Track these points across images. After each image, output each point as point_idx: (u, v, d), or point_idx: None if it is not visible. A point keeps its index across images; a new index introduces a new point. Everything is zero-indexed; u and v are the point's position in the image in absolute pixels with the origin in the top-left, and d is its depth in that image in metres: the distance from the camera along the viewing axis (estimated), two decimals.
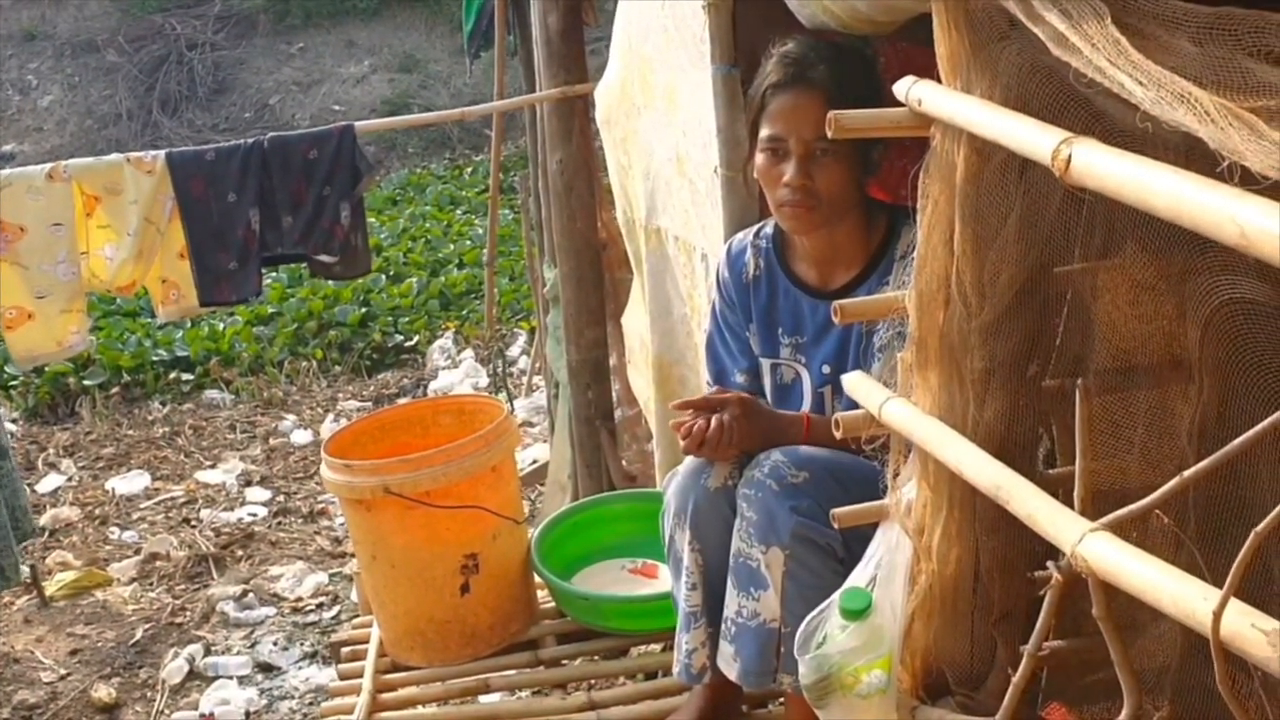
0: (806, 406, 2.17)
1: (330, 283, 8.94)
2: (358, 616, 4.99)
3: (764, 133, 2.05)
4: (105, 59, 12.94)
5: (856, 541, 1.64)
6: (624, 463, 3.99)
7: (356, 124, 3.96)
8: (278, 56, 13.14)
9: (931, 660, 1.45)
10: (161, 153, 3.81)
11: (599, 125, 3.07)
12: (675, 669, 2.16)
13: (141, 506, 6.78)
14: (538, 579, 2.72)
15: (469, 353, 8.49)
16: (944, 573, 1.38)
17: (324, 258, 3.96)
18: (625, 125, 2.76)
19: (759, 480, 1.94)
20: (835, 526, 1.57)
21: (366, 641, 2.73)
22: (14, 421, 7.97)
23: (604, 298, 4.05)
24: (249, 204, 3.85)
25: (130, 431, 7.95)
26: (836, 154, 1.99)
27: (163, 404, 8.24)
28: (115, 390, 8.29)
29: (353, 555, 5.68)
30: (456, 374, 8.00)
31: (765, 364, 2.24)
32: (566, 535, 2.83)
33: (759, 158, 2.07)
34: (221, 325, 8.58)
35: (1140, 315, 1.16)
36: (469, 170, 12.18)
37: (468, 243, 9.99)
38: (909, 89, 1.29)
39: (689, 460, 2.10)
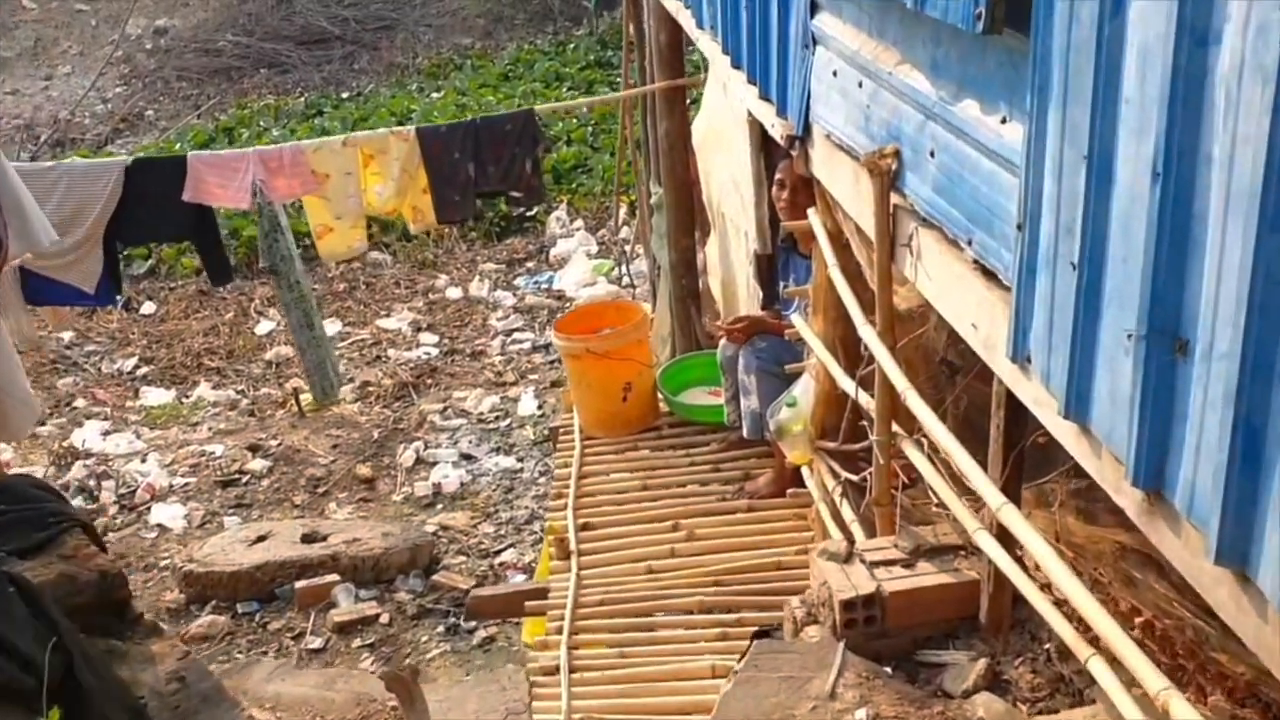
0: (793, 306, 4.85)
1: None
2: (525, 426, 7.84)
3: (776, 176, 4.67)
4: None
5: (794, 378, 4.34)
6: (705, 324, 6.72)
7: (536, 107, 6.58)
8: None
9: (821, 423, 4.14)
10: (413, 128, 6.49)
11: (694, 145, 5.69)
12: (726, 421, 5.07)
13: (340, 346, 9.62)
14: (661, 396, 5.55)
15: (580, 222, 11.06)
16: (822, 389, 4.06)
17: (514, 193, 6.66)
18: (708, 153, 5.39)
19: (745, 347, 4.69)
20: (779, 365, 4.34)
21: (571, 428, 5.60)
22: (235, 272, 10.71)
23: (693, 217, 6.67)
24: (468, 159, 6.52)
25: (316, 285, 10.69)
26: (805, 190, 4.58)
27: (337, 264, 10.92)
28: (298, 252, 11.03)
29: (513, 383, 8.52)
30: (572, 242, 10.58)
31: (780, 284, 4.94)
32: (676, 373, 5.72)
33: (774, 187, 4.70)
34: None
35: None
36: (570, 46, 14.47)
37: (574, 120, 12.43)
38: (811, 216, 3.92)
39: (722, 343, 4.86)
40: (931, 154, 2.84)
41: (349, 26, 15.31)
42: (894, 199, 3.09)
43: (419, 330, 9.68)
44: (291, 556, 6.35)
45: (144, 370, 9.46)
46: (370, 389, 8.64)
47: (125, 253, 10.21)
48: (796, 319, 4.15)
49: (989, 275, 2.64)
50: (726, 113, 4.93)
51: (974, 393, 3.51)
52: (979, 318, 2.66)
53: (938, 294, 2.89)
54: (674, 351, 6.51)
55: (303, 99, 14.72)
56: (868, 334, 3.25)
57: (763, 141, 4.74)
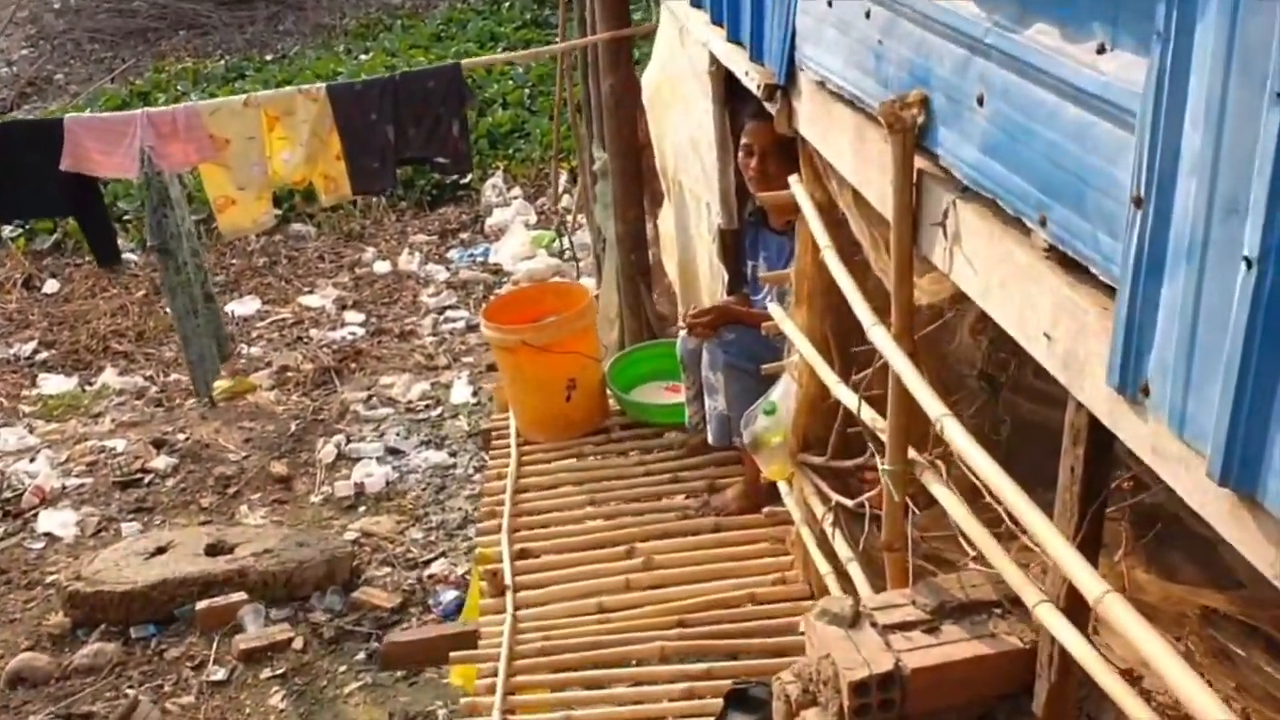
0: (765, 290, 4.07)
1: None
2: (458, 415, 7.02)
3: (743, 141, 3.87)
4: None
5: (770, 377, 3.57)
6: (655, 303, 5.91)
7: (462, 62, 5.72)
8: None
9: (804, 433, 3.38)
10: (323, 85, 5.60)
11: (644, 101, 4.86)
12: (687, 423, 4.36)
13: (258, 326, 8.74)
14: (609, 393, 4.73)
15: (517, 190, 10.21)
16: (806, 394, 3.30)
17: (439, 159, 5.79)
18: (661, 110, 4.56)
19: (711, 339, 3.91)
20: (750, 361, 3.57)
21: (507, 430, 4.77)
22: (132, 251, 9.80)
23: (643, 185, 5.86)
24: (386, 121, 5.64)
25: (234, 261, 9.80)
26: (776, 157, 3.79)
27: (256, 236, 9.99)
28: (214, 225, 10.08)
29: (445, 367, 7.70)
30: (509, 211, 9.73)
31: (749, 265, 4.15)
32: (627, 366, 4.89)
33: (740, 153, 3.89)
34: None
35: (878, 288, 3.03)
36: (506, 4, 13.54)
37: (510, 82, 11.53)
38: (793, 185, 3.14)
39: (683, 333, 4.08)
40: (980, 101, 2.06)
41: None
42: (919, 163, 2.32)
43: (344, 308, 8.81)
44: (193, 572, 5.50)
45: (44, 355, 8.51)
46: (289, 374, 7.76)
47: None
48: (775, 309, 3.37)
49: (1074, 267, 1.87)
50: (683, 62, 4.12)
51: (1016, 414, 2.76)
52: (1055, 326, 1.89)
53: (985, 290, 2.12)
54: (622, 335, 5.71)
55: (223, 62, 13.65)
56: (880, 338, 2.48)
57: (727, 97, 3.94)
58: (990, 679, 2.48)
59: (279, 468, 6.62)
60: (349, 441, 6.82)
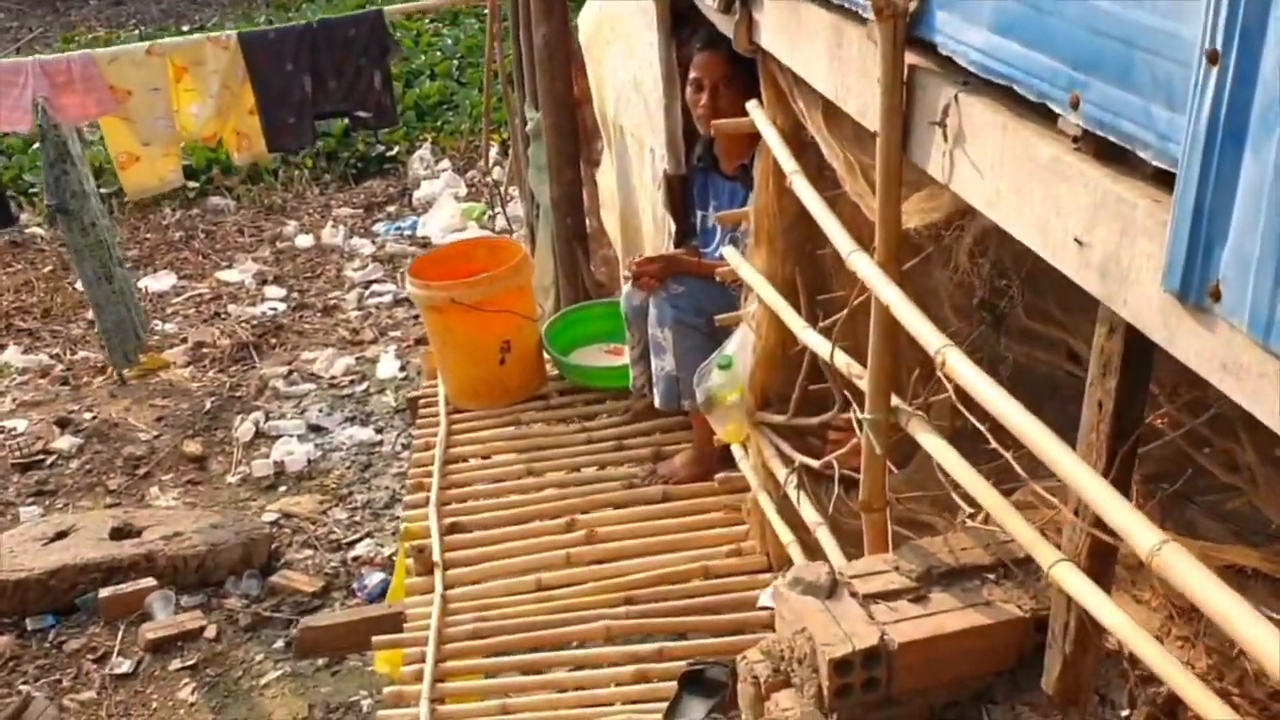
0: (716, 240, 3.72)
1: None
2: (384, 391, 6.62)
3: (691, 75, 3.52)
4: None
5: (723, 332, 3.22)
6: (593, 271, 5.54)
7: (385, 8, 5.31)
8: None
9: (763, 389, 3.04)
10: (234, 32, 5.16)
11: (581, 44, 4.49)
12: (631, 386, 3.98)
13: (173, 302, 8.25)
14: (547, 356, 4.36)
15: (446, 163, 9.79)
16: (766, 346, 2.96)
17: (361, 113, 5.38)
18: (600, 50, 4.20)
19: (657, 294, 3.58)
20: (700, 317, 3.22)
21: (434, 399, 4.37)
22: (39, 225, 9.26)
23: (579, 145, 5.48)
24: (303, 72, 5.23)
25: (149, 235, 9.28)
26: (729, 92, 3.43)
27: (173, 210, 9.51)
28: (127, 198, 9.54)
29: (371, 341, 7.28)
30: (438, 184, 9.30)
31: (699, 214, 3.80)
32: (565, 327, 4.50)
33: (688, 89, 3.54)
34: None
35: (853, 225, 2.69)
36: None
37: (438, 54, 11.10)
38: (753, 112, 2.79)
39: (625, 289, 3.72)
40: None
41: None
42: (910, 58, 1.99)
43: (264, 283, 8.32)
44: (96, 558, 5.05)
45: None
46: (205, 351, 7.28)
47: None
48: (730, 252, 3.03)
49: (1114, 156, 1.55)
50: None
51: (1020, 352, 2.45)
52: (1091, 228, 1.57)
53: (994, 197, 1.79)
54: (558, 304, 5.34)
55: (137, 32, 13.02)
56: (862, 264, 2.14)
57: (674, 27, 3.59)
58: (987, 652, 2.17)
59: (193, 447, 6.16)
60: (268, 419, 6.38)
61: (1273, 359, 1.28)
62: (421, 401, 4.46)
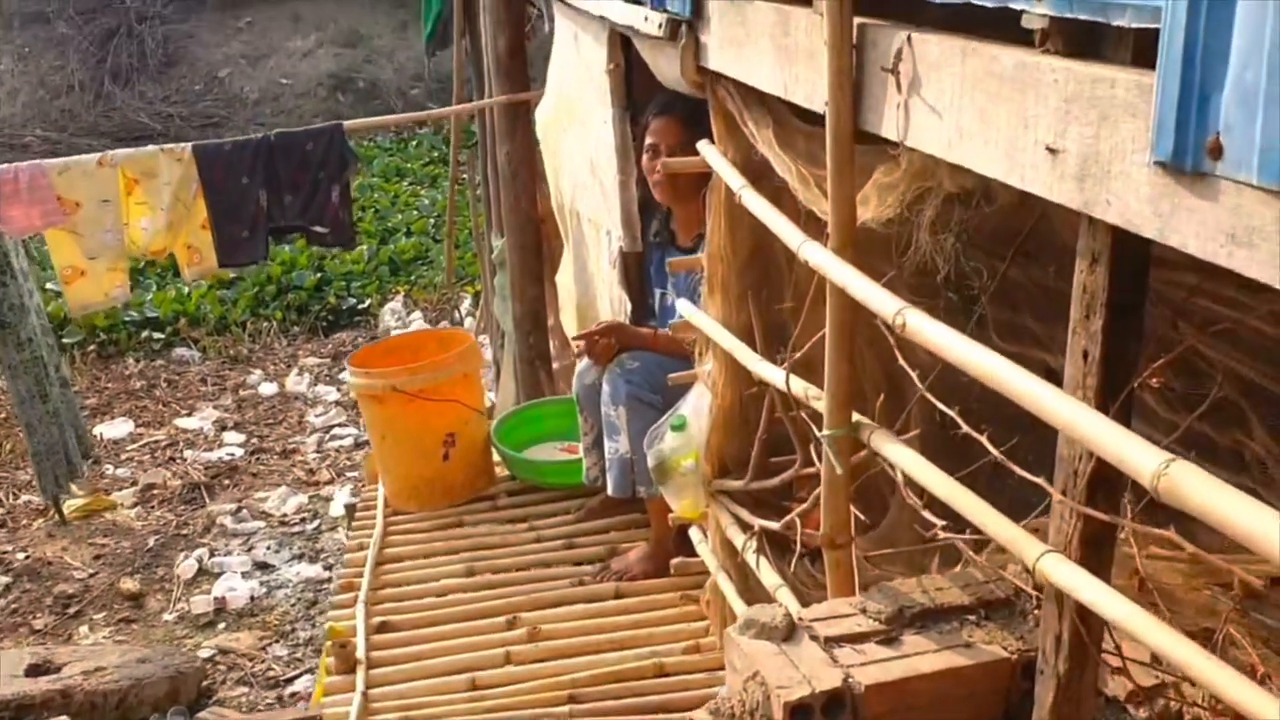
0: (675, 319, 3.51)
1: (287, 248, 10.02)
2: (336, 528, 6.30)
3: (647, 142, 3.38)
4: (55, 30, 13.84)
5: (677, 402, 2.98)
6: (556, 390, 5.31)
7: (345, 123, 5.22)
8: (225, 30, 14.14)
9: (721, 455, 2.78)
10: (189, 145, 5.04)
11: (538, 137, 4.37)
12: (585, 479, 3.72)
13: (129, 448, 7.93)
14: (496, 454, 4.08)
15: (418, 314, 9.66)
16: (724, 405, 2.71)
17: (318, 229, 5.21)
18: (556, 139, 4.07)
19: (611, 370, 3.35)
20: (657, 394, 2.97)
21: (374, 503, 4.06)
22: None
23: (542, 262, 5.33)
24: (259, 186, 5.08)
25: (109, 384, 9.04)
26: (685, 155, 3.28)
27: (136, 360, 9.31)
28: (91, 348, 9.33)
29: (327, 481, 6.98)
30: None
31: (657, 293, 3.61)
32: (517, 425, 4.23)
33: (644, 157, 3.40)
34: (187, 289, 9.63)
35: (808, 270, 2.49)
36: (413, 144, 13.25)
37: (415, 213, 11.12)
38: (703, 148, 2.62)
39: (579, 368, 3.49)
40: None
41: (173, 124, 13.76)
42: (858, 20, 1.81)
43: (224, 429, 8.03)
44: (5, 695, 4.61)
45: None
46: (154, 492, 6.95)
47: None
48: (684, 305, 2.81)
49: (1086, 48, 1.36)
50: (579, 70, 3.65)
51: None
52: (1064, 130, 1.35)
53: (955, 135, 1.58)
54: None
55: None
56: (813, 252, 1.92)
57: (627, 97, 3.46)
58: (967, 700, 1.85)
59: (130, 585, 5.77)
60: (212, 555, 6.01)
61: None
62: (360, 505, 4.15)
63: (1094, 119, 1.30)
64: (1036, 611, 1.93)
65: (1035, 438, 1.85)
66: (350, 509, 4.34)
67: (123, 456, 7.80)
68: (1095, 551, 1.51)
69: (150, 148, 5.15)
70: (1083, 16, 1.32)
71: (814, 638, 1.91)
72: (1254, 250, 1.11)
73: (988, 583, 2.01)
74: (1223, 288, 1.62)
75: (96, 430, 7.93)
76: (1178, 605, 1.81)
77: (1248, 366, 1.67)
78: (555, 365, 5.34)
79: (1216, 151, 1.12)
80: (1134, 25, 1.24)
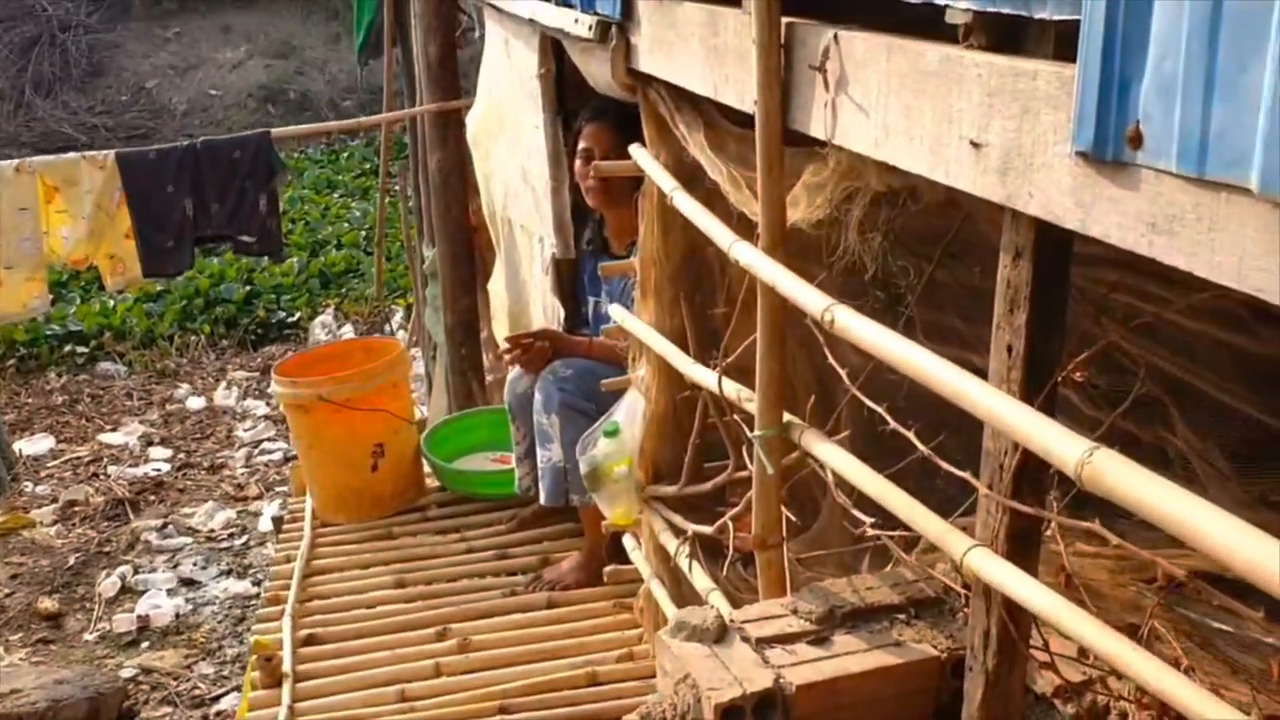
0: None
1: (215, 261, 9.88)
2: (265, 543, 6.19)
3: (580, 146, 3.38)
4: None
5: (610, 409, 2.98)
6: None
7: (273, 130, 5.15)
8: (153, 41, 13.92)
9: (654, 461, 2.77)
10: (112, 152, 4.95)
11: (470, 144, 4.35)
12: (517, 489, 3.69)
13: (49, 465, 7.75)
14: (426, 465, 4.04)
15: (349, 327, 9.56)
16: (657, 411, 2.70)
17: (245, 238, 5.14)
18: (487, 145, 4.05)
19: (544, 377, 3.33)
20: (590, 401, 2.96)
21: (302, 514, 4.00)
22: None
23: (475, 272, 5.29)
24: (184, 194, 5.00)
25: (29, 400, 8.82)
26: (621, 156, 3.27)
27: (59, 375, 9.10)
28: (10, 363, 9.11)
29: (255, 496, 6.87)
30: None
31: (590, 301, 3.59)
32: (448, 436, 4.20)
33: (576, 163, 3.39)
34: (112, 302, 9.44)
35: (740, 275, 2.49)
36: (344, 155, 13.12)
37: (345, 225, 11.00)
38: (635, 152, 2.61)
39: (511, 375, 3.47)
40: None
41: (98, 135, 13.50)
42: (786, 20, 1.82)
43: (150, 444, 7.88)
44: None
45: None
46: (76, 509, 6.78)
47: None
48: (616, 310, 2.80)
49: (1008, 43, 1.37)
50: (510, 75, 3.63)
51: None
52: (988, 123, 1.36)
53: (882, 132, 1.59)
54: None
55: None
56: (744, 252, 1.92)
57: (559, 102, 3.45)
58: (899, 699, 1.86)
59: (48, 604, 5.63)
60: (136, 573, 5.88)
61: (1209, 192, 1.06)
62: (288, 517, 4.08)
63: (1016, 112, 1.31)
64: (965, 610, 1.94)
65: (961, 438, 1.87)
66: (278, 522, 4.25)
67: (43, 473, 7.63)
68: (1022, 546, 1.52)
69: (71, 154, 5.04)
70: (1005, 10, 1.33)
71: (745, 639, 1.90)
72: (1174, 238, 1.12)
73: (917, 581, 2.02)
74: (1144, 283, 1.64)
75: (16, 446, 7.73)
76: (1103, 601, 1.83)
77: (1169, 362, 1.69)
78: (489, 378, 5.30)
79: (1136, 141, 1.14)
80: (1055, 17, 1.25)
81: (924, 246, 2.05)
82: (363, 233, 10.84)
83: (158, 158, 5.02)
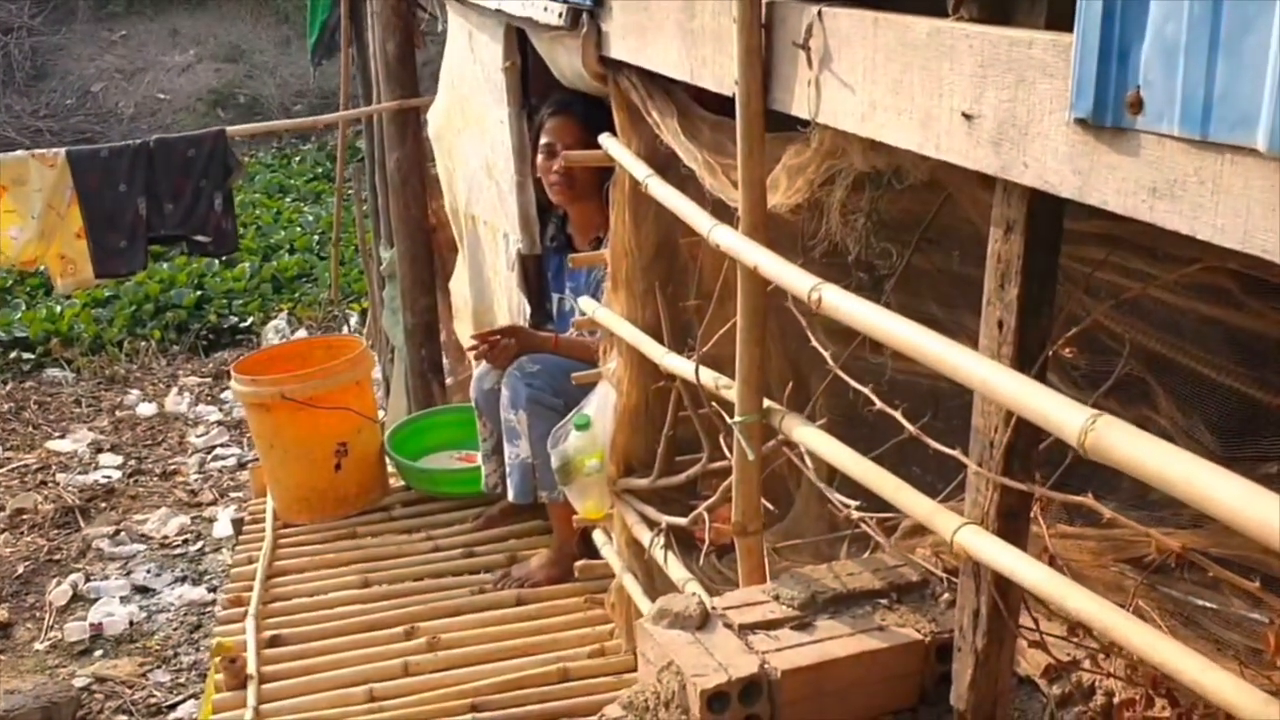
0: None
1: (165, 266, 9.72)
2: (220, 549, 6.10)
3: (542, 141, 3.34)
4: None
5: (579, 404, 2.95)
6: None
7: (228, 129, 5.07)
8: (99, 43, 13.70)
9: (626, 454, 2.74)
10: (63, 150, 4.85)
11: (431, 139, 4.31)
12: (484, 487, 3.63)
13: None
14: (390, 465, 3.98)
15: (302, 332, 9.44)
16: (629, 404, 2.68)
17: (199, 238, 5.05)
18: (450, 140, 4.01)
19: (511, 373, 3.30)
20: (558, 397, 2.93)
21: (263, 516, 3.93)
22: None
23: (434, 272, 5.24)
24: (137, 193, 4.91)
25: None
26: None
27: (4, 382, 8.92)
28: None
29: (210, 502, 6.76)
30: None
31: (555, 297, 3.56)
32: (412, 435, 4.15)
33: (539, 158, 3.36)
34: (59, 307, 9.27)
35: (714, 267, 2.47)
36: (296, 159, 12.98)
37: (298, 229, 10.88)
38: (605, 141, 2.59)
39: (477, 372, 3.43)
40: None
41: (43, 138, 13.25)
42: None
43: (99, 451, 7.74)
44: None
45: None
46: (24, 518, 6.64)
47: None
48: (586, 302, 2.77)
49: (999, 11, 1.36)
50: (474, 69, 3.60)
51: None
52: (980, 94, 1.36)
53: (868, 108, 1.58)
54: None
55: None
56: (724, 236, 1.90)
57: (524, 96, 3.42)
58: (884, 683, 1.84)
59: None
60: (88, 580, 5.77)
61: (1212, 154, 1.05)
62: (247, 519, 4.01)
63: (1010, 82, 1.30)
64: (948, 594, 1.93)
65: (942, 422, 1.86)
66: (238, 524, 4.18)
67: None
68: (1012, 523, 1.51)
69: (20, 152, 4.93)
70: None
71: (728, 625, 1.88)
72: (1175, 202, 1.11)
73: (898, 566, 2.01)
74: (1129, 260, 1.64)
75: None
76: (1086, 583, 1.82)
77: (1154, 339, 1.70)
78: (449, 380, 5.24)
79: (1137, 106, 1.13)
80: None
81: (904, 232, 2.04)
82: (315, 237, 10.72)
83: (110, 156, 4.92)
